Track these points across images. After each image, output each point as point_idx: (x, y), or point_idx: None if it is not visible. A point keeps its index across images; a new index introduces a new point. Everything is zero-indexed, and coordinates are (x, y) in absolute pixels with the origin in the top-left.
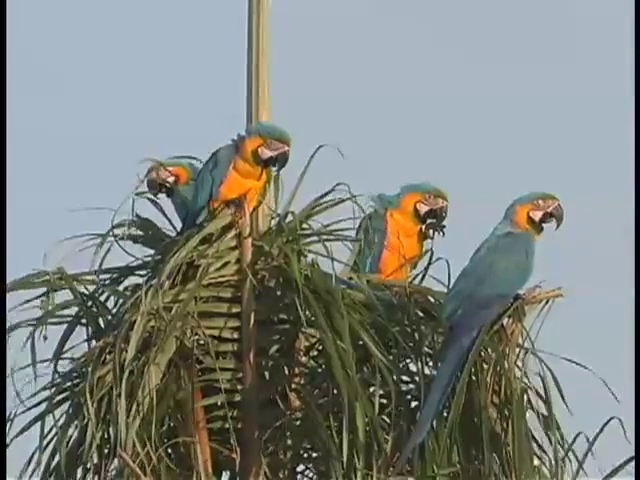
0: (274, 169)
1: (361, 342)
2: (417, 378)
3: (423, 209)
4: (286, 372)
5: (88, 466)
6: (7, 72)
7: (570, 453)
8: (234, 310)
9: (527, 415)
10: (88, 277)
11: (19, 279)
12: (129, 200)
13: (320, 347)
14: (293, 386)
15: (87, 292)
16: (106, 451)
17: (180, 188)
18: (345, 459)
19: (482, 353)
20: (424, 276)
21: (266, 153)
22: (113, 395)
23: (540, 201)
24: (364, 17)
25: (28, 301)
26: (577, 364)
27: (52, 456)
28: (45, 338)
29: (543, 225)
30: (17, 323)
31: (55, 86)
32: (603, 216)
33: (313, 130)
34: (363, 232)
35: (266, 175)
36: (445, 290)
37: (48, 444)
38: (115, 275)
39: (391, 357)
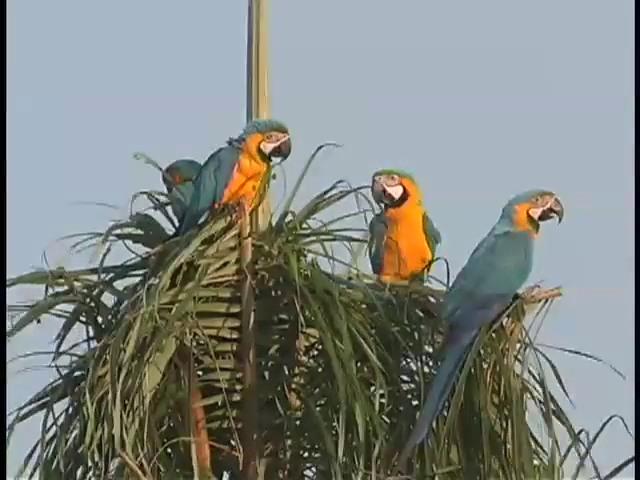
0: (279, 160)
1: (360, 342)
2: (417, 377)
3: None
4: (286, 372)
5: (88, 465)
6: (7, 71)
7: (571, 453)
8: (234, 310)
9: (527, 415)
10: (88, 276)
11: (19, 276)
12: (131, 196)
13: (320, 347)
14: (293, 386)
15: (87, 291)
16: (106, 450)
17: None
18: (345, 459)
19: (482, 352)
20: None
21: (268, 146)
22: (111, 395)
23: (538, 198)
24: (363, 16)
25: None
26: (578, 353)
27: (53, 455)
28: (38, 321)
29: (544, 222)
30: (19, 322)
31: (55, 85)
32: (603, 215)
33: (313, 129)
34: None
35: (265, 175)
36: (445, 290)
37: (50, 443)
38: (115, 274)
39: (391, 357)
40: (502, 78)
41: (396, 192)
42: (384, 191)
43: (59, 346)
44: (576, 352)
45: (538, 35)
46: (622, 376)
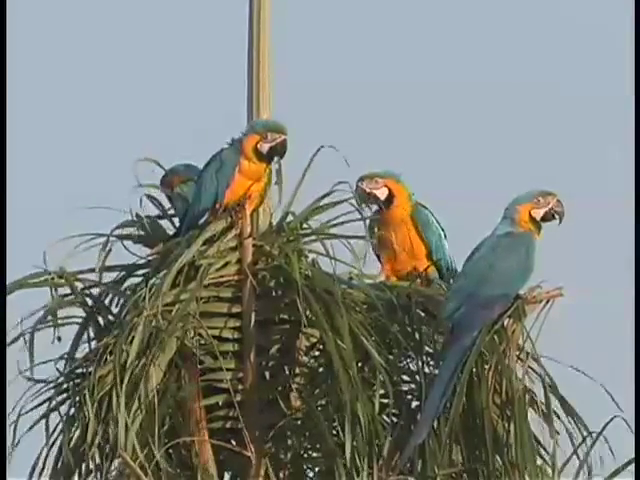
0: (276, 160)
1: (361, 342)
2: (418, 377)
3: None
4: (287, 372)
5: (90, 466)
6: (7, 71)
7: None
8: (235, 310)
9: (529, 415)
10: (90, 276)
11: (19, 279)
12: (131, 198)
13: (321, 347)
14: (294, 386)
15: (89, 292)
16: (107, 451)
17: (177, 189)
18: (348, 459)
19: (483, 352)
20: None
21: (265, 146)
22: (114, 395)
23: (540, 198)
24: (363, 15)
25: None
26: (578, 370)
27: (57, 455)
28: (59, 339)
29: (546, 223)
30: (20, 333)
31: (56, 85)
32: (603, 215)
33: (314, 129)
34: None
35: (267, 176)
36: (445, 289)
37: (53, 444)
38: (117, 274)
39: (392, 357)
40: (503, 78)
41: (382, 194)
42: (368, 194)
43: (73, 354)
44: (575, 369)
45: (538, 34)
46: (618, 406)
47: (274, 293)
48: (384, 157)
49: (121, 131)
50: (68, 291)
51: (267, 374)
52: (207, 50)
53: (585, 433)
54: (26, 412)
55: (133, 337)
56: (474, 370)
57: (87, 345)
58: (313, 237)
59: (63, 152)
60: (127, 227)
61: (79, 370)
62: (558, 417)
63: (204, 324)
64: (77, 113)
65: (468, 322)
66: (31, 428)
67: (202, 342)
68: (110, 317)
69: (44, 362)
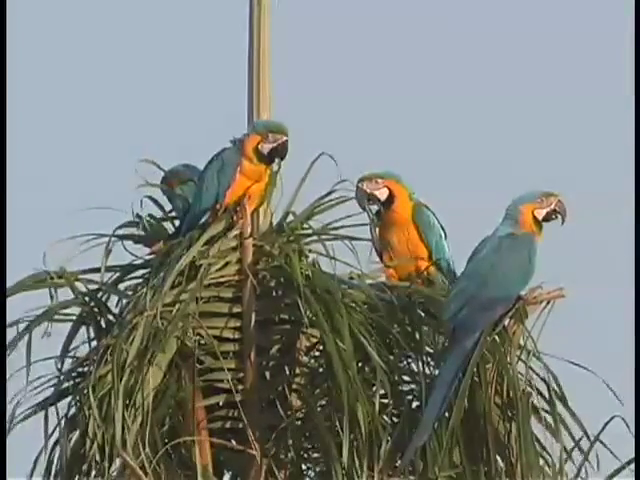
0: (277, 161)
1: (361, 342)
2: (418, 378)
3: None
4: (287, 372)
5: (90, 465)
6: (7, 71)
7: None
8: (235, 310)
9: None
10: (90, 276)
11: (19, 282)
12: (131, 198)
13: (321, 347)
14: (294, 386)
15: (89, 292)
16: (108, 450)
17: (177, 190)
18: (346, 459)
19: (484, 354)
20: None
21: (266, 147)
22: (112, 395)
23: (543, 199)
24: (364, 15)
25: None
26: (579, 366)
27: (57, 455)
28: (49, 334)
29: (548, 223)
30: (16, 320)
31: (57, 86)
32: (603, 215)
33: (314, 129)
34: None
35: (268, 176)
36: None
37: (55, 444)
38: (117, 274)
39: (392, 357)
40: (503, 77)
41: (382, 194)
42: (369, 195)
43: (67, 351)
44: (580, 365)
45: (538, 34)
46: (618, 398)
47: (274, 293)
48: (384, 157)
49: (121, 131)
50: (68, 291)
51: (267, 374)
52: (207, 51)
53: (585, 432)
54: (24, 410)
55: (133, 337)
56: (475, 371)
57: (87, 345)
58: (314, 237)
59: (64, 153)
60: (128, 227)
61: (80, 369)
62: (561, 418)
63: (204, 324)
64: (78, 114)
65: (470, 323)
66: (25, 418)
67: (202, 342)
68: (110, 317)
69: (43, 359)
